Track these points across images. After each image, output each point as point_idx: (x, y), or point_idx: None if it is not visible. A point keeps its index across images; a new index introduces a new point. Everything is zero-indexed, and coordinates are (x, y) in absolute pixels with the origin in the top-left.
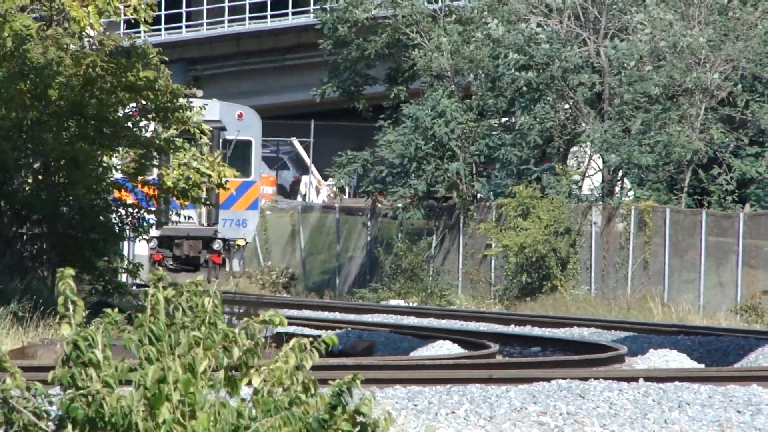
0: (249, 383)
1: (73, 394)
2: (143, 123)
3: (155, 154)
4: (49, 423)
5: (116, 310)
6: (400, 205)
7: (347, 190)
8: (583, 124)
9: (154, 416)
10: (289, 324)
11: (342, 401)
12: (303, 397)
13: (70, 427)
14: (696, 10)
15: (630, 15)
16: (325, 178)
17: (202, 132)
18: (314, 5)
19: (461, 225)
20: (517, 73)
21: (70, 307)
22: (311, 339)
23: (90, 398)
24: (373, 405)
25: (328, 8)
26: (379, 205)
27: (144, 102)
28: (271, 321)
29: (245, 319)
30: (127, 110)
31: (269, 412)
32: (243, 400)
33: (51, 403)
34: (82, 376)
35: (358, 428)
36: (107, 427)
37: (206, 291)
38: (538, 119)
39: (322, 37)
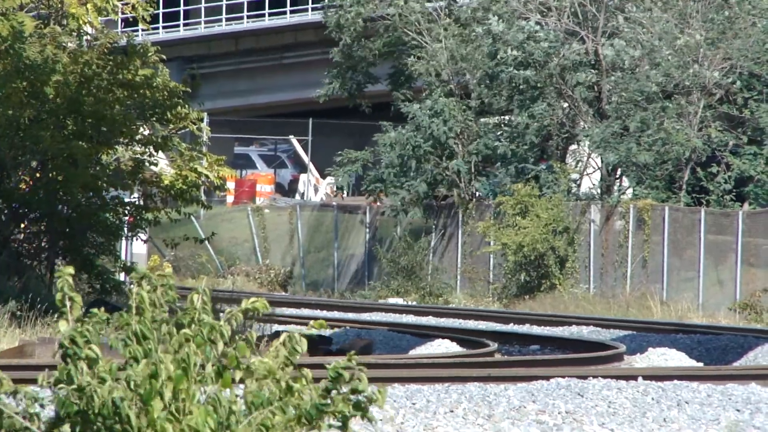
0: (241, 380)
1: (66, 389)
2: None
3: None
4: (41, 425)
5: (103, 309)
6: (399, 203)
7: (345, 190)
8: (582, 123)
9: (148, 412)
10: (287, 323)
11: (338, 385)
12: (297, 386)
13: (67, 426)
14: (693, 8)
15: (626, 13)
16: (323, 176)
17: (200, 129)
18: (313, 4)
19: (460, 223)
20: (515, 71)
21: (68, 303)
22: (300, 331)
23: (81, 391)
24: (365, 381)
25: (327, 7)
26: (379, 204)
27: (141, 99)
28: (254, 309)
29: (228, 310)
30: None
31: (261, 404)
32: (236, 396)
33: (42, 406)
34: (78, 372)
35: (352, 406)
36: (97, 420)
37: (195, 288)
38: (535, 118)
39: (322, 36)
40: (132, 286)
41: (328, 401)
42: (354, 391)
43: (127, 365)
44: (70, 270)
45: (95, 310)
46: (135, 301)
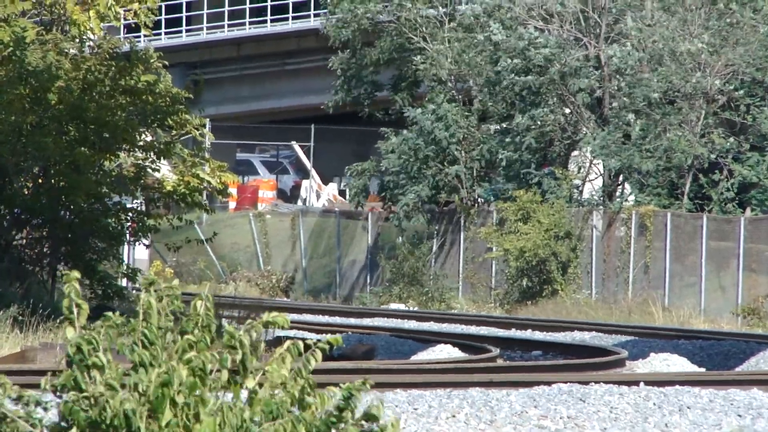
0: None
1: (75, 396)
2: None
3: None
4: (44, 430)
5: (117, 313)
6: (402, 211)
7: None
8: (584, 129)
9: (158, 420)
10: (289, 328)
11: (350, 404)
12: (307, 398)
13: (73, 431)
14: (695, 15)
15: (626, 20)
16: (326, 182)
17: (203, 135)
18: (314, 10)
19: (462, 229)
20: (516, 77)
21: (75, 309)
22: (314, 341)
23: (93, 400)
24: (382, 410)
25: (329, 11)
26: (380, 210)
27: (144, 106)
28: (274, 323)
29: (249, 321)
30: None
31: (271, 413)
32: (243, 403)
33: (45, 410)
34: (85, 379)
35: None
36: (109, 430)
37: (198, 294)
38: (536, 121)
39: (324, 42)
40: (134, 291)
41: (339, 420)
42: (368, 417)
43: (133, 370)
44: (77, 275)
45: (110, 313)
46: (143, 307)
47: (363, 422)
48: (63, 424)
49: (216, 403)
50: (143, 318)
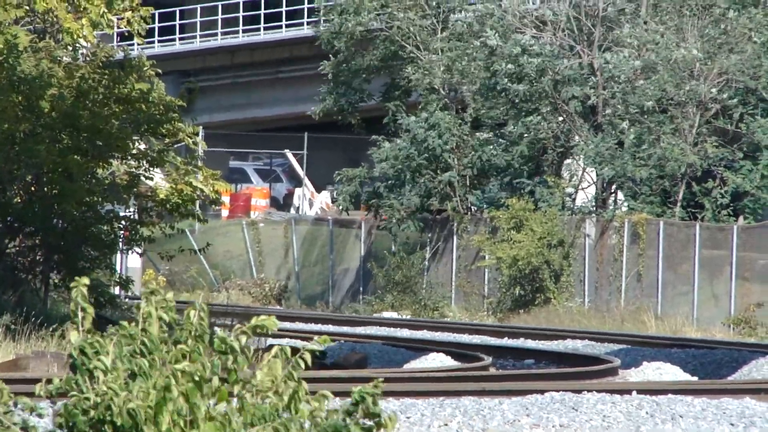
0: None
1: (77, 397)
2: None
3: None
4: None
5: (132, 323)
6: (394, 219)
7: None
8: (577, 137)
9: (157, 423)
10: (282, 336)
11: (360, 409)
12: (301, 404)
13: None
14: (689, 22)
15: (620, 29)
16: (318, 190)
17: (196, 144)
18: (308, 18)
19: (455, 237)
20: (509, 84)
21: (80, 314)
22: (303, 346)
23: (98, 399)
24: (379, 405)
25: (323, 20)
26: (373, 218)
27: (137, 114)
28: (263, 327)
29: (237, 326)
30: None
31: (263, 417)
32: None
33: (40, 416)
34: (86, 383)
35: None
36: (111, 429)
37: (192, 303)
38: (529, 129)
39: (317, 50)
40: (127, 299)
41: (348, 423)
42: (367, 414)
43: (130, 378)
44: (86, 281)
45: (125, 323)
46: (142, 316)
47: (362, 420)
48: (58, 430)
49: (214, 409)
50: (142, 327)
